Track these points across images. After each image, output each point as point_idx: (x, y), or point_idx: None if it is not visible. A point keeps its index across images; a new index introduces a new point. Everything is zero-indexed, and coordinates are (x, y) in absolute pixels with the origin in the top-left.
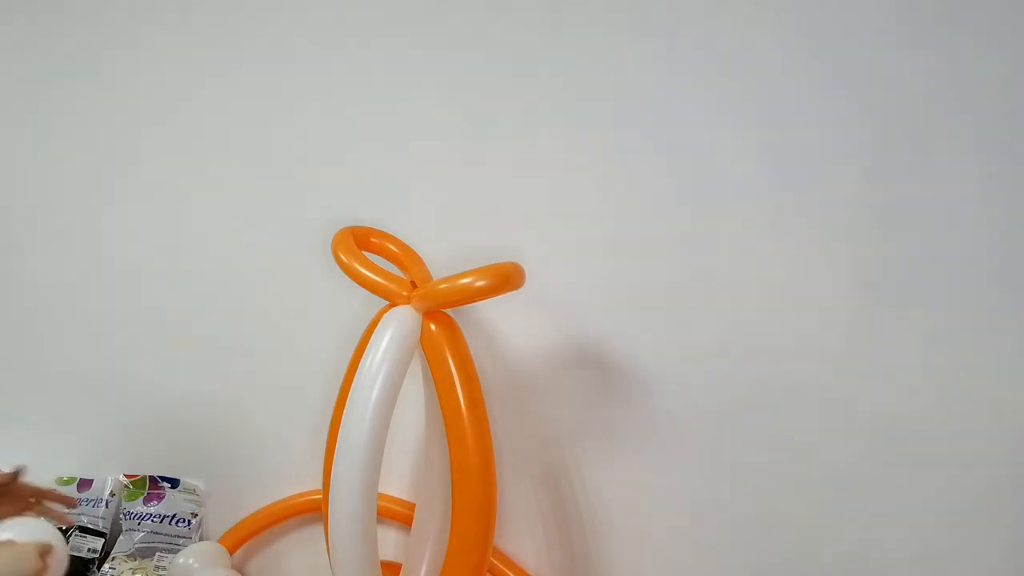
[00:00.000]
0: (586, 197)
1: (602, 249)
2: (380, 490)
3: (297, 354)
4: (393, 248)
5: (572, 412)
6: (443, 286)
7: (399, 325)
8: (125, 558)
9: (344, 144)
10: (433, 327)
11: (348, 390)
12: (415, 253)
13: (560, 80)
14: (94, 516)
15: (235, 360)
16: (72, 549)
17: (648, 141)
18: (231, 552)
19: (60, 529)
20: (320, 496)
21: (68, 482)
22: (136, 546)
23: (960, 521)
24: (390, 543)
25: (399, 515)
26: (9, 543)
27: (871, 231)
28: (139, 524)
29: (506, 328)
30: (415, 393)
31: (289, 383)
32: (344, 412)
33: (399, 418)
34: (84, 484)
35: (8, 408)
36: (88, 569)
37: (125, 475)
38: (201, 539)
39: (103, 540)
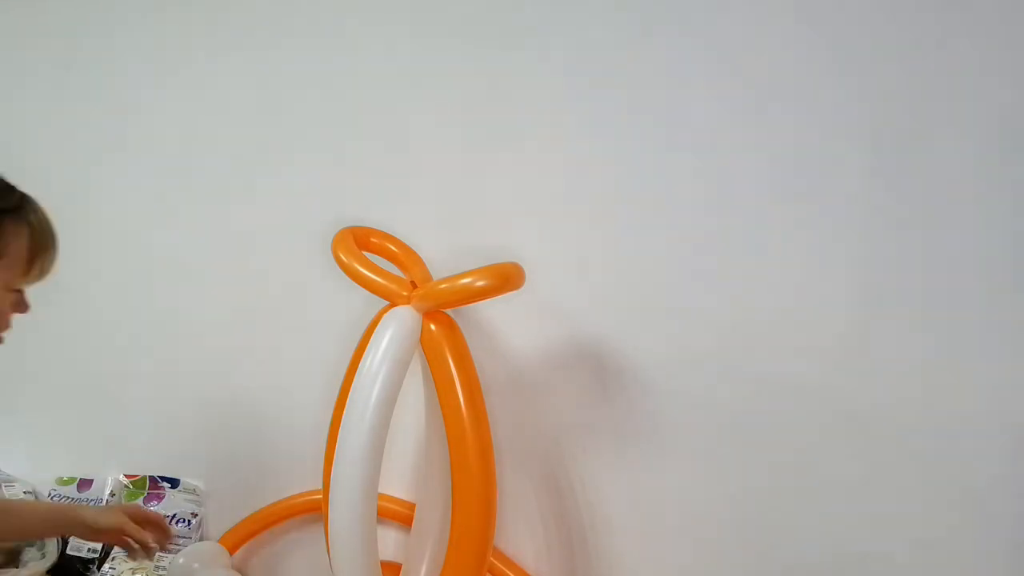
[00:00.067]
0: (586, 197)
1: (602, 249)
2: (380, 490)
3: (297, 354)
4: (393, 248)
5: (572, 412)
6: (443, 286)
7: (399, 325)
8: (125, 558)
9: (344, 144)
10: (433, 327)
11: (348, 390)
12: (415, 253)
13: (561, 80)
14: None
15: (235, 360)
16: (72, 549)
17: (648, 141)
18: (231, 552)
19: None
20: (320, 496)
21: (68, 482)
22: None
23: (960, 521)
24: (390, 543)
25: (399, 515)
26: None
27: (871, 231)
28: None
29: (506, 328)
30: (415, 393)
31: (289, 383)
32: (344, 412)
33: (399, 418)
34: (84, 484)
35: (8, 408)
36: (88, 569)
37: (125, 475)
38: (201, 539)
39: None
